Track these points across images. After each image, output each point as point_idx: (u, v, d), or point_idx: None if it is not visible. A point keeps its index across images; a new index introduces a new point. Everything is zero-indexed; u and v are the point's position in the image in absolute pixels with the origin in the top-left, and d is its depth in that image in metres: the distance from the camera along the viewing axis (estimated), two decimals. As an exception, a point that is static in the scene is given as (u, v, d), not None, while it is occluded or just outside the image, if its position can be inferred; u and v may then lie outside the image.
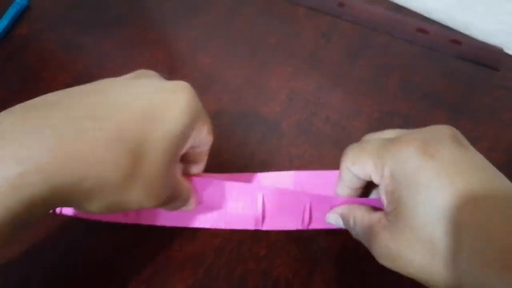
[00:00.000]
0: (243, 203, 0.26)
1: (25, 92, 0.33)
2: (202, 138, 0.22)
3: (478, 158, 0.20)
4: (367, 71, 0.36)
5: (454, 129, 0.21)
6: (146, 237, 0.26)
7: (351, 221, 0.23)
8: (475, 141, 0.33)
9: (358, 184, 0.23)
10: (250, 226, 0.27)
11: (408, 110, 0.34)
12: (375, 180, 0.22)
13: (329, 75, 0.36)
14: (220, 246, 0.26)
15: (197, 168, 0.24)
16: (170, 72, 0.35)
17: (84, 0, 0.39)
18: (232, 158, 0.30)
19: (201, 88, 0.30)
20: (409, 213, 0.19)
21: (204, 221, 0.27)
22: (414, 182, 0.19)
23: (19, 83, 0.33)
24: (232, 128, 0.32)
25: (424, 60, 0.38)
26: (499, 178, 0.19)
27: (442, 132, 0.21)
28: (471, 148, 0.21)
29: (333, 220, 0.25)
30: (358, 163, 0.22)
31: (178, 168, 0.23)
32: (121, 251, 0.26)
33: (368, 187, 0.25)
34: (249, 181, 0.28)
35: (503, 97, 0.35)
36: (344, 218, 0.24)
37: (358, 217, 0.23)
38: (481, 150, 0.33)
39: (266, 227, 0.27)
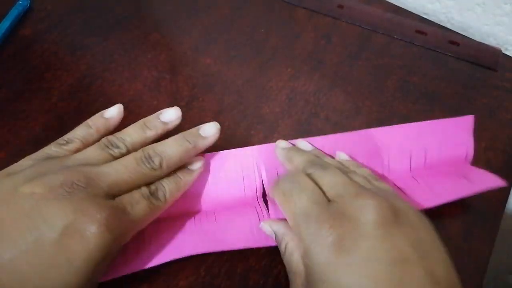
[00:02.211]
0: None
1: (29, 92, 0.33)
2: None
3: (401, 245, 0.19)
4: (367, 71, 0.37)
5: (383, 206, 0.20)
6: (148, 235, 0.27)
7: (283, 247, 0.23)
8: (474, 141, 0.34)
9: None
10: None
11: (407, 110, 0.34)
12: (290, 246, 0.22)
13: (329, 76, 0.36)
14: (222, 244, 0.27)
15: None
16: (171, 73, 0.35)
17: (87, 2, 0.40)
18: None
19: (202, 89, 0.31)
20: None
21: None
22: (324, 277, 0.19)
23: (22, 84, 0.33)
24: (233, 128, 0.32)
25: (423, 61, 0.38)
26: (418, 270, 0.18)
27: (366, 218, 0.19)
28: (398, 228, 0.19)
29: (267, 230, 0.25)
30: (277, 224, 0.24)
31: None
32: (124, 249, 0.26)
33: None
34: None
35: (501, 97, 0.36)
36: (277, 238, 0.24)
37: (289, 250, 0.23)
38: (478, 150, 0.33)
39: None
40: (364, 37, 0.39)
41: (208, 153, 0.27)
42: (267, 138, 0.32)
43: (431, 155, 0.28)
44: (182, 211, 0.26)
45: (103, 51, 0.36)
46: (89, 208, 0.19)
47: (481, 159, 0.32)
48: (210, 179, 0.27)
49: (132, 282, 0.25)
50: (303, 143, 0.28)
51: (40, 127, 0.31)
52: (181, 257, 0.24)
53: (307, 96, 0.34)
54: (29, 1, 0.38)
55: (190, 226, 0.26)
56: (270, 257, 0.26)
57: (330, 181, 0.23)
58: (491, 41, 0.44)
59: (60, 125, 0.31)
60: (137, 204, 0.21)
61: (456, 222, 0.28)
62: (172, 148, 0.24)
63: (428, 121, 0.29)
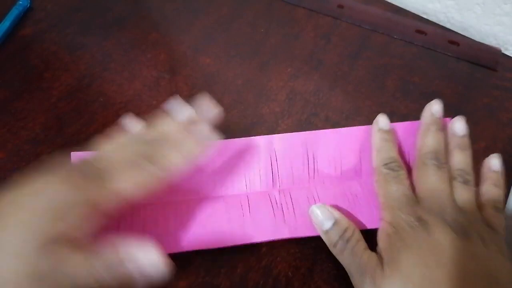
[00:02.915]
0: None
1: (28, 92, 0.33)
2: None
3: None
4: (366, 71, 0.37)
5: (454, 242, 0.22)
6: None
7: (348, 235, 0.24)
8: (473, 141, 0.34)
9: None
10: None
11: (407, 110, 0.34)
12: None
13: (329, 76, 0.36)
14: (221, 244, 0.27)
15: None
16: (171, 72, 0.35)
17: (86, 2, 0.40)
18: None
19: (202, 89, 0.31)
20: None
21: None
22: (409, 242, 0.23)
23: (22, 84, 0.33)
24: (233, 129, 0.32)
25: (422, 61, 0.38)
26: None
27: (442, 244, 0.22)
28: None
29: (317, 215, 0.25)
30: (338, 213, 0.26)
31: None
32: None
33: None
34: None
35: (501, 97, 0.36)
36: (338, 225, 0.25)
37: (355, 238, 0.24)
38: (478, 150, 0.33)
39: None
40: (364, 37, 0.39)
41: (223, 141, 0.27)
42: (267, 138, 0.32)
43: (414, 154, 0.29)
44: (198, 195, 0.27)
45: (102, 51, 0.36)
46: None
47: (481, 159, 0.32)
48: (225, 166, 0.28)
49: (132, 282, 0.25)
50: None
51: (40, 127, 0.31)
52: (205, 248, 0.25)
53: (307, 96, 0.34)
54: (29, 1, 0.38)
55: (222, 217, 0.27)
56: (270, 257, 0.26)
57: (429, 188, 0.25)
58: (491, 41, 0.44)
59: (60, 125, 0.31)
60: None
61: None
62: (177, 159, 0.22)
63: (411, 122, 0.30)
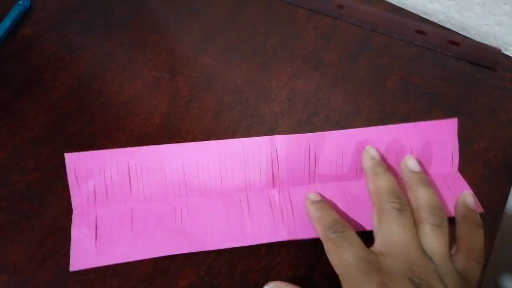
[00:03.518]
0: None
1: (29, 92, 0.33)
2: None
3: None
4: (367, 71, 0.37)
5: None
6: (148, 235, 0.27)
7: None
8: (473, 141, 0.34)
9: None
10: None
11: (407, 110, 0.34)
12: None
13: (329, 76, 0.36)
14: (221, 244, 0.27)
15: None
16: (171, 72, 0.35)
17: (87, 2, 0.40)
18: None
19: (202, 89, 0.31)
20: None
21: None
22: None
23: (22, 84, 0.33)
24: (233, 129, 0.32)
25: (423, 61, 0.38)
26: None
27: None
28: None
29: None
30: None
31: None
32: (124, 249, 0.26)
33: None
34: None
35: (500, 97, 0.36)
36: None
37: None
38: (478, 150, 0.33)
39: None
40: (364, 37, 0.40)
41: (223, 140, 0.28)
42: (267, 138, 0.32)
43: (416, 156, 0.29)
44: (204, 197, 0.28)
45: (102, 51, 0.36)
46: None
47: (481, 159, 0.32)
48: (226, 165, 0.28)
49: (133, 282, 0.25)
50: (371, 151, 0.28)
51: (40, 127, 0.31)
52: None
53: (307, 96, 0.34)
54: (29, 1, 0.38)
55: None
56: (270, 257, 0.26)
57: (392, 241, 0.24)
58: (491, 41, 0.44)
59: (60, 125, 0.31)
60: None
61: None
62: None
63: (413, 123, 0.29)
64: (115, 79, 0.34)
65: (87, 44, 0.36)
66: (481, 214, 0.27)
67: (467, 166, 0.31)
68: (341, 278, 0.23)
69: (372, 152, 0.28)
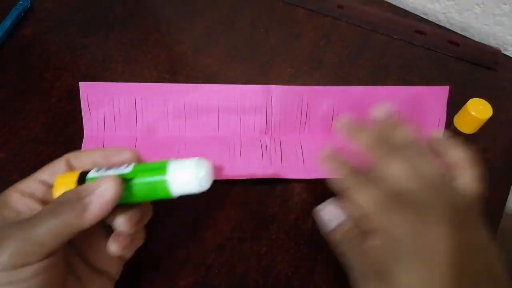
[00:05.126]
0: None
1: (29, 92, 0.33)
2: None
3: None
4: (366, 71, 0.37)
5: (446, 214, 0.21)
6: (148, 236, 0.27)
7: (350, 235, 0.23)
8: (472, 141, 0.34)
9: None
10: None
11: (407, 110, 0.34)
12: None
13: (329, 76, 0.36)
14: (221, 244, 0.27)
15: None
16: (171, 72, 0.35)
17: (87, 2, 0.40)
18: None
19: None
20: None
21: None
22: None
23: (22, 84, 0.33)
24: (233, 128, 0.32)
25: (422, 61, 0.38)
26: None
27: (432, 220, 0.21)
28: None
29: (326, 214, 0.25)
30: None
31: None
32: (124, 249, 0.26)
33: None
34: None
35: (500, 97, 0.36)
36: (343, 226, 0.24)
37: (356, 241, 0.23)
38: (478, 150, 0.33)
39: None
40: (364, 37, 0.40)
41: (223, 85, 0.31)
42: (267, 138, 0.32)
43: (405, 116, 0.30)
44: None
45: (103, 51, 0.36)
46: None
47: (480, 159, 0.32)
48: (224, 109, 0.30)
49: (133, 282, 0.25)
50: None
51: (40, 127, 0.31)
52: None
53: (307, 96, 0.34)
54: (29, 1, 0.38)
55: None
56: (270, 257, 0.26)
57: (396, 174, 0.23)
58: (490, 41, 0.44)
59: (60, 125, 0.31)
60: None
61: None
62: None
63: (407, 86, 0.32)
64: (115, 79, 0.34)
65: (87, 44, 0.36)
66: (481, 214, 0.27)
67: (467, 166, 0.31)
68: (366, 220, 0.22)
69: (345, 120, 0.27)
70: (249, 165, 0.29)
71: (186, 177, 0.19)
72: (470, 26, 0.44)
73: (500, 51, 0.39)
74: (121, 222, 0.20)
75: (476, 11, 0.42)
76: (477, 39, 0.41)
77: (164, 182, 0.19)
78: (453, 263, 0.20)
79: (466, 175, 0.24)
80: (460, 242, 0.20)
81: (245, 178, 0.29)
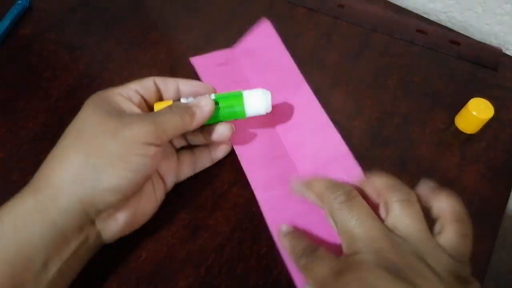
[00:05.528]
0: None
1: (27, 92, 0.33)
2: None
3: None
4: (367, 71, 0.37)
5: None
6: (148, 235, 0.27)
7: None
8: (473, 141, 0.34)
9: None
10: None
11: (408, 109, 0.34)
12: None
13: (329, 75, 0.36)
14: (221, 244, 0.27)
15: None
16: (171, 72, 0.35)
17: (86, 1, 0.40)
18: (233, 158, 0.31)
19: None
20: None
21: None
22: None
23: (21, 83, 0.33)
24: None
25: (423, 60, 0.38)
26: None
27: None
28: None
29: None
30: None
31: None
32: (124, 249, 0.26)
33: None
34: None
35: (501, 97, 0.36)
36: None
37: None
38: (479, 150, 0.33)
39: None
40: (365, 36, 0.39)
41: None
42: (267, 137, 0.32)
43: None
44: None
45: (102, 51, 0.36)
46: None
47: (481, 159, 0.32)
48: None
49: (133, 282, 0.25)
50: None
51: (40, 127, 0.31)
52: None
53: (307, 96, 0.34)
54: (28, 1, 0.38)
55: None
56: (270, 257, 0.26)
57: (355, 234, 0.22)
58: (491, 41, 0.43)
59: (59, 125, 0.31)
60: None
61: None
62: None
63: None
64: (115, 78, 0.34)
65: (86, 43, 0.36)
66: (481, 214, 0.26)
67: (468, 166, 0.31)
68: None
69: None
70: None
71: (256, 103, 0.27)
72: (471, 25, 0.44)
73: (501, 50, 0.39)
74: (222, 131, 0.27)
75: (477, 10, 0.42)
76: (478, 38, 0.41)
77: (242, 109, 0.27)
78: None
79: (452, 230, 0.22)
80: None
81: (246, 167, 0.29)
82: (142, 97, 0.26)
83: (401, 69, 0.37)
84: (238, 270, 0.26)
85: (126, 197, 0.23)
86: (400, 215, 0.22)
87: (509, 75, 0.37)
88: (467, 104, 0.32)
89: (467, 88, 0.36)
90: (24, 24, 0.37)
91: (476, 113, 0.31)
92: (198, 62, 0.35)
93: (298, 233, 0.25)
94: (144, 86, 0.26)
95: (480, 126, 0.33)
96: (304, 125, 0.31)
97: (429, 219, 0.22)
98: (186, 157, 0.29)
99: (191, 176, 0.29)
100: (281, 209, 0.27)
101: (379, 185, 0.23)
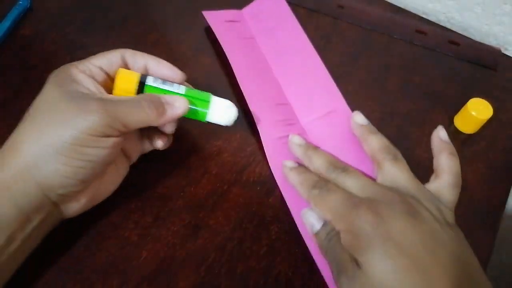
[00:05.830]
0: None
1: (28, 92, 0.33)
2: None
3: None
4: (367, 71, 0.37)
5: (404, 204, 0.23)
6: (149, 235, 0.27)
7: (331, 234, 0.24)
8: (473, 141, 0.34)
9: None
10: None
11: (408, 110, 0.34)
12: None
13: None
14: (222, 244, 0.27)
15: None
16: (171, 72, 0.35)
17: (86, 2, 0.40)
18: (233, 158, 0.31)
19: (202, 88, 0.31)
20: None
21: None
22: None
23: (22, 84, 0.33)
24: (233, 128, 0.32)
25: (423, 61, 0.38)
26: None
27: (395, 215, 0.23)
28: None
29: (310, 216, 0.26)
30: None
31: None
32: (125, 249, 0.26)
33: None
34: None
35: (500, 97, 0.36)
36: (326, 227, 0.25)
37: (335, 239, 0.24)
38: (478, 150, 0.33)
39: None
40: (364, 37, 0.39)
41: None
42: (267, 138, 0.32)
43: None
44: None
45: (102, 51, 0.36)
46: None
47: (481, 159, 0.32)
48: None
49: (133, 282, 0.25)
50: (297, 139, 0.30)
51: (40, 127, 0.31)
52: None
53: (307, 96, 0.34)
54: (29, 1, 0.38)
55: None
56: (270, 257, 0.26)
57: (355, 184, 0.25)
58: (491, 41, 0.44)
59: (60, 125, 0.31)
60: None
61: (456, 222, 0.28)
62: None
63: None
64: (115, 79, 0.34)
65: (87, 44, 0.36)
66: (481, 214, 0.27)
67: (468, 165, 0.31)
68: (334, 222, 0.24)
69: (296, 140, 0.29)
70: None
71: (219, 115, 0.27)
72: (471, 26, 0.44)
73: (500, 51, 0.39)
74: (171, 126, 0.26)
75: (476, 10, 0.42)
76: (477, 39, 0.41)
77: (205, 113, 0.26)
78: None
79: (444, 179, 0.25)
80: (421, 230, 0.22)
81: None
82: (107, 73, 0.25)
83: (400, 70, 0.37)
84: (238, 270, 0.26)
85: (86, 183, 0.23)
86: (390, 170, 0.26)
87: (508, 76, 0.37)
88: (466, 104, 0.32)
89: (466, 88, 0.36)
90: (25, 25, 0.37)
91: (475, 113, 0.32)
92: (210, 15, 0.37)
93: (304, 167, 0.28)
94: (110, 61, 0.25)
95: (479, 126, 0.33)
96: (306, 80, 0.34)
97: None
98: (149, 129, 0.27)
99: (191, 176, 0.29)
100: (286, 154, 0.29)
101: (374, 146, 0.27)
